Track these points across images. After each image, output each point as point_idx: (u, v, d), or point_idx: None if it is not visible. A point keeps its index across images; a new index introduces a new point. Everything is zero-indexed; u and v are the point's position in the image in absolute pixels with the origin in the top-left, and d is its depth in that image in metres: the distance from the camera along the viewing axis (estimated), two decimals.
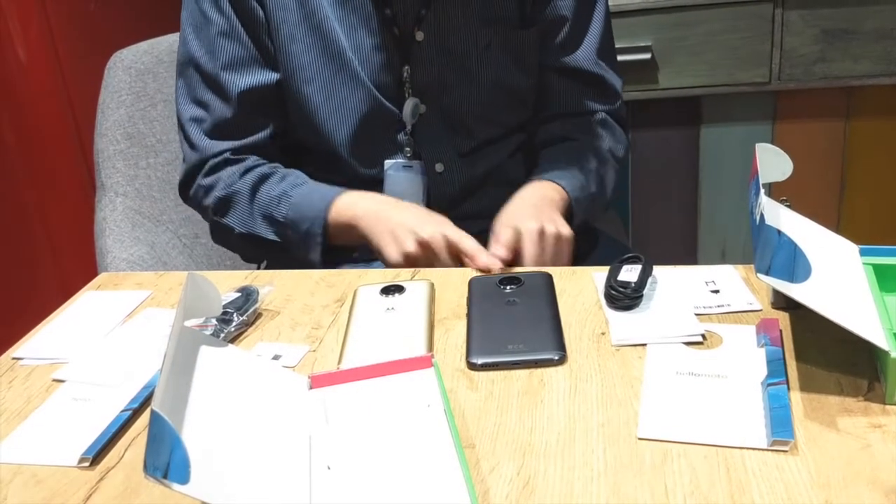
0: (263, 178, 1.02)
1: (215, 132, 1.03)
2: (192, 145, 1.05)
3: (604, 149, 1.09)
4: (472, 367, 0.72)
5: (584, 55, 1.08)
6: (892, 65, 1.68)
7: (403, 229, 0.91)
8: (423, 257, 0.90)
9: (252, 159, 1.04)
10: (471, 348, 0.73)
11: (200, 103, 1.03)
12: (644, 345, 0.72)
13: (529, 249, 0.90)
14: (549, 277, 0.84)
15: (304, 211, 0.98)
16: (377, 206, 0.96)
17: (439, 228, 0.90)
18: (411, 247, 0.89)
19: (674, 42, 1.72)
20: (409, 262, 0.90)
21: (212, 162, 1.03)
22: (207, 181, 1.04)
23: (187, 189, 1.07)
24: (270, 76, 1.02)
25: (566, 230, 0.93)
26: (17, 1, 1.57)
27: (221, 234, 1.07)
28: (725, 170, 1.91)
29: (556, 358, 0.71)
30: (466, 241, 0.88)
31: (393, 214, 0.93)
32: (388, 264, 0.92)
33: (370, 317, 0.80)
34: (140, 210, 1.28)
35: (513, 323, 0.76)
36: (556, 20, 1.07)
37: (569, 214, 1.00)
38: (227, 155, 1.03)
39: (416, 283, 0.85)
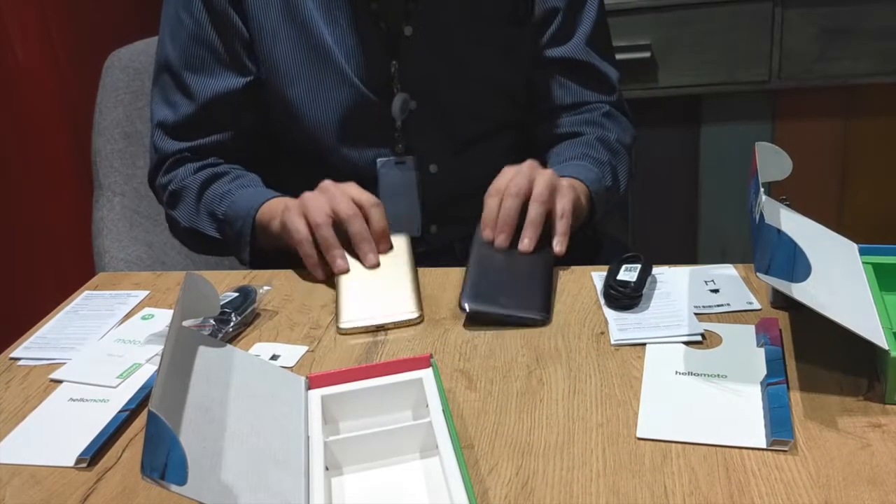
0: (216, 177, 1.03)
1: (178, 133, 1.05)
2: (155, 146, 1.07)
3: (613, 140, 1.07)
4: (462, 310, 0.75)
5: (575, 46, 1.07)
6: (892, 63, 1.67)
7: (311, 207, 0.88)
8: (331, 225, 0.87)
9: (211, 159, 1.06)
10: (464, 293, 0.77)
11: (170, 105, 1.05)
12: (643, 344, 0.72)
13: (540, 182, 0.87)
14: (551, 249, 0.85)
15: (238, 209, 0.98)
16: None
17: (347, 200, 0.88)
18: (320, 218, 0.87)
19: (673, 41, 1.72)
20: (315, 230, 0.87)
21: (170, 161, 1.06)
22: (165, 179, 1.06)
23: (152, 184, 1.10)
24: (238, 81, 1.03)
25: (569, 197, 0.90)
26: (15, 1, 1.56)
27: (172, 227, 1.10)
28: (725, 169, 1.91)
29: (540, 318, 0.74)
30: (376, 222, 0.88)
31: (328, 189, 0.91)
32: (293, 241, 0.89)
33: (357, 274, 0.85)
34: (138, 210, 1.28)
35: (509, 277, 0.79)
36: (548, 13, 1.06)
37: (590, 209, 0.99)
38: (185, 154, 1.05)
39: (393, 237, 0.90)
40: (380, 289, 0.83)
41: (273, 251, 0.97)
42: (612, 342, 0.73)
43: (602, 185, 1.00)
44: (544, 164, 1.04)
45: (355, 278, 0.85)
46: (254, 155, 1.09)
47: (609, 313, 0.77)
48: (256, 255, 0.99)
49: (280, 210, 0.92)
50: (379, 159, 1.05)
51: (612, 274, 0.81)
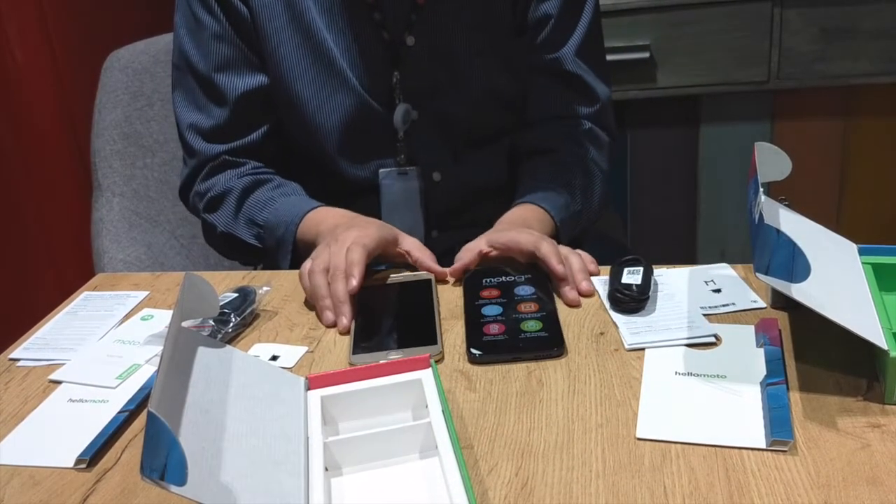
0: (259, 183, 1.02)
1: (213, 135, 1.03)
2: (190, 151, 1.04)
3: (588, 159, 1.07)
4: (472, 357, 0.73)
5: (563, 54, 1.06)
6: (891, 64, 1.68)
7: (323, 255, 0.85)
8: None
9: (251, 164, 1.04)
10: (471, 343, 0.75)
11: (198, 107, 1.03)
12: (660, 348, 0.72)
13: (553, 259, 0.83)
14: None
15: (281, 216, 0.97)
16: (335, 227, 0.90)
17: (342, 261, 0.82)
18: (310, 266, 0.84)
19: (672, 41, 1.72)
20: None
21: (210, 165, 1.03)
22: (205, 185, 1.03)
23: (186, 193, 1.07)
24: (265, 77, 1.02)
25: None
26: (15, 1, 1.56)
27: (207, 233, 1.07)
28: (724, 169, 1.91)
29: (556, 352, 0.72)
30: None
31: (338, 238, 0.86)
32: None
33: (377, 307, 0.82)
34: (137, 210, 1.28)
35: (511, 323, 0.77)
36: (540, 20, 1.05)
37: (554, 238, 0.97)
38: (224, 157, 1.03)
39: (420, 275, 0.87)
40: (399, 323, 0.81)
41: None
42: (627, 347, 0.72)
43: (569, 211, 1.00)
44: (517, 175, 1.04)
45: (374, 311, 0.82)
46: (281, 160, 1.07)
47: (617, 317, 0.77)
48: (294, 263, 0.96)
49: (325, 231, 0.91)
50: (381, 171, 1.04)
51: (615, 277, 0.80)
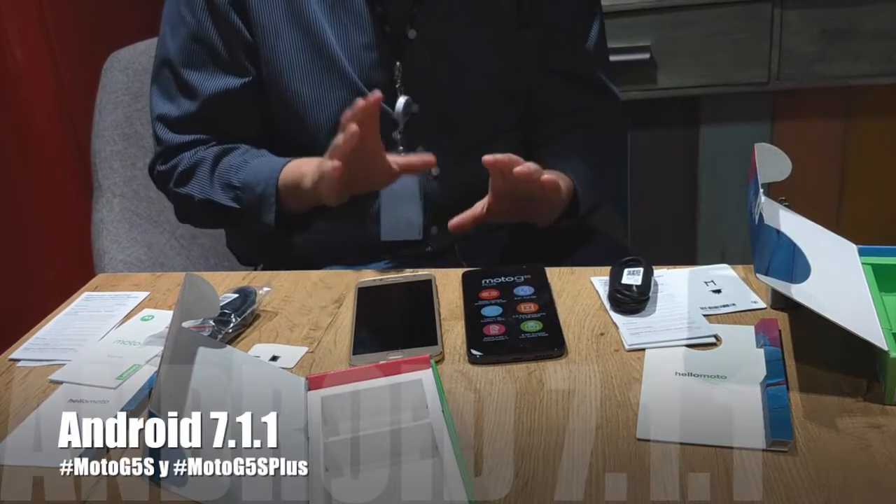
0: (228, 151, 1.04)
1: (179, 126, 1.05)
2: (157, 140, 1.07)
3: (603, 141, 1.09)
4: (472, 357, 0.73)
5: (583, 59, 1.08)
6: (891, 64, 1.68)
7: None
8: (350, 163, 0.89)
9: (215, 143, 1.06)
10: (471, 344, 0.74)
11: (171, 101, 1.05)
12: (660, 348, 0.72)
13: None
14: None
15: (259, 174, 0.99)
16: (320, 161, 0.95)
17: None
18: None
19: (673, 42, 1.72)
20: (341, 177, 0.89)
21: (174, 150, 1.05)
22: (171, 163, 1.05)
23: (152, 174, 1.10)
24: (234, 81, 1.03)
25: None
26: (15, 2, 1.56)
27: (182, 206, 1.08)
28: (724, 169, 1.91)
29: (556, 353, 0.71)
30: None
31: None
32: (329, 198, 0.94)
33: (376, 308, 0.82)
34: (137, 211, 1.28)
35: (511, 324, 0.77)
36: (553, 23, 1.06)
37: (574, 203, 1.01)
38: (189, 143, 1.05)
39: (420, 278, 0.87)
40: (399, 323, 0.82)
41: (303, 209, 0.98)
42: (627, 347, 0.72)
43: (588, 182, 1.01)
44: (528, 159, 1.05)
45: (374, 312, 0.83)
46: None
47: (617, 318, 0.77)
48: (282, 221, 0.99)
49: (308, 171, 0.95)
50: None
51: (616, 278, 0.80)
